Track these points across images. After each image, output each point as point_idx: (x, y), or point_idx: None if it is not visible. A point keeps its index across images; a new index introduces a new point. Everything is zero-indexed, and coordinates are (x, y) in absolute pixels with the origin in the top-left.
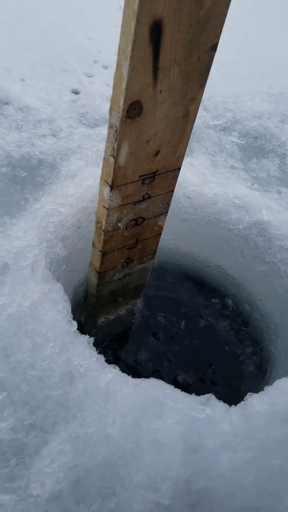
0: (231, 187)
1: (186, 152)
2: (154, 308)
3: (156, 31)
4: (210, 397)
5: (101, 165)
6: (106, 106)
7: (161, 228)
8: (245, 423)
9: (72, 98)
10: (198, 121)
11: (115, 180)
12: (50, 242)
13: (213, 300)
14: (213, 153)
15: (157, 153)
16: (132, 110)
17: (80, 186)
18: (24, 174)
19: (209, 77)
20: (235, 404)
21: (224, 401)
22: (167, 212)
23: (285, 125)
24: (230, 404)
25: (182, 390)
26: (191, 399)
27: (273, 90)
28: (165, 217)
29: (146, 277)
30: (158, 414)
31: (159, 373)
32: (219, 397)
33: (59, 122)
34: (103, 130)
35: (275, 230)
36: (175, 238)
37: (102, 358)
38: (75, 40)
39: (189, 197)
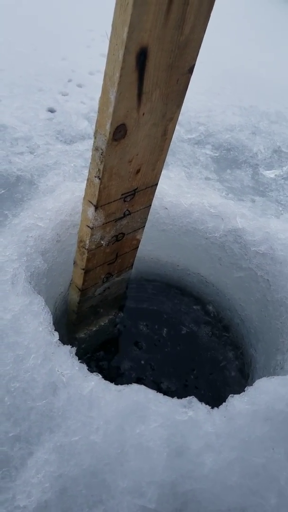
0: (206, 197)
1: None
2: (137, 318)
3: (142, 57)
4: (192, 399)
5: (79, 180)
6: (82, 123)
7: (138, 241)
8: (227, 424)
9: (48, 116)
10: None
11: (100, 200)
12: (30, 256)
13: (194, 307)
14: (188, 166)
15: (138, 171)
16: (117, 133)
17: (58, 200)
18: (2, 191)
19: None
20: (219, 407)
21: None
22: (144, 226)
23: (257, 137)
24: (214, 408)
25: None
26: (173, 402)
27: (243, 103)
28: (143, 230)
29: (124, 287)
30: (141, 419)
31: (143, 381)
32: (203, 402)
33: (36, 139)
34: (80, 146)
35: (249, 236)
36: (154, 248)
37: (84, 367)
38: (50, 61)
39: (166, 208)
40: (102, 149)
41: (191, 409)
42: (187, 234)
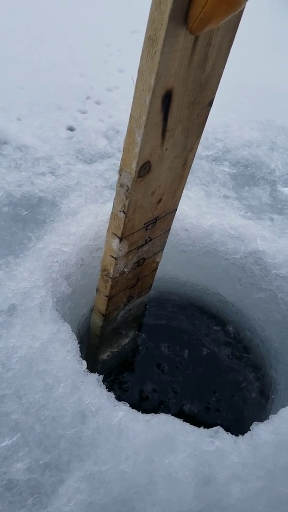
0: (226, 218)
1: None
2: (157, 338)
3: (167, 100)
4: (218, 429)
5: (100, 201)
6: (101, 142)
7: (158, 263)
8: (253, 453)
9: (68, 135)
10: None
11: (124, 232)
12: (56, 281)
13: (214, 327)
14: (206, 184)
15: (159, 201)
16: (142, 170)
17: (81, 224)
18: (25, 212)
19: None
20: (241, 431)
21: (230, 429)
22: (164, 248)
23: (274, 153)
24: (236, 431)
25: (188, 420)
26: (200, 432)
27: (260, 118)
28: (162, 253)
29: (143, 307)
30: (169, 449)
31: (166, 404)
32: (225, 424)
33: (57, 159)
34: (100, 166)
35: (270, 259)
36: (175, 268)
37: (112, 395)
38: (68, 78)
39: (187, 230)
40: (127, 186)
41: (217, 439)
42: (207, 254)
